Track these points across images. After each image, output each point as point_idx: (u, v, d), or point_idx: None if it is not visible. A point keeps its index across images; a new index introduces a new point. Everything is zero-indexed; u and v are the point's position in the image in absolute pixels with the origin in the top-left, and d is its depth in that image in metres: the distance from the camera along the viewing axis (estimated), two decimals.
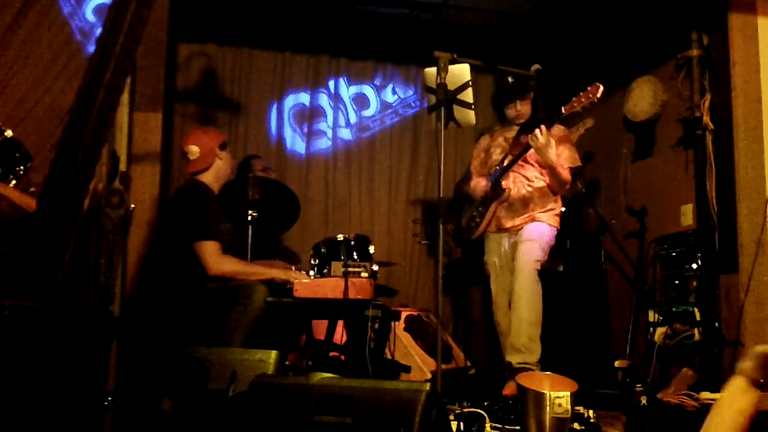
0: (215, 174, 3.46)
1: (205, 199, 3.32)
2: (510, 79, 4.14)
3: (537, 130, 3.70)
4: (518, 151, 3.93)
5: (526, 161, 3.98)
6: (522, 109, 4.12)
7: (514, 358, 3.68)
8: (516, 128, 4.11)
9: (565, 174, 3.93)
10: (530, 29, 5.26)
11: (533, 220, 3.95)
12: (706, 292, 3.92)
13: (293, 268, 3.60)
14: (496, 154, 4.14)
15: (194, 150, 3.43)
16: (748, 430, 1.47)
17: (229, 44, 5.19)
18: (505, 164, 3.99)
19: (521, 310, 3.74)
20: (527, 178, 4.00)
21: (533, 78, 3.96)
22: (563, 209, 4.09)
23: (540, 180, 4.00)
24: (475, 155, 4.32)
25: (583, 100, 3.62)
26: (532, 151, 3.82)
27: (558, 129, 3.98)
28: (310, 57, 5.39)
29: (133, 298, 3.46)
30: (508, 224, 3.99)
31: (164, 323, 3.20)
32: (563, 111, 3.72)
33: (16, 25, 3.93)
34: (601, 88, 3.57)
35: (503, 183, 3.99)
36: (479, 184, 4.11)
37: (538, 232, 3.90)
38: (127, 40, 1.80)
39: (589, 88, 3.62)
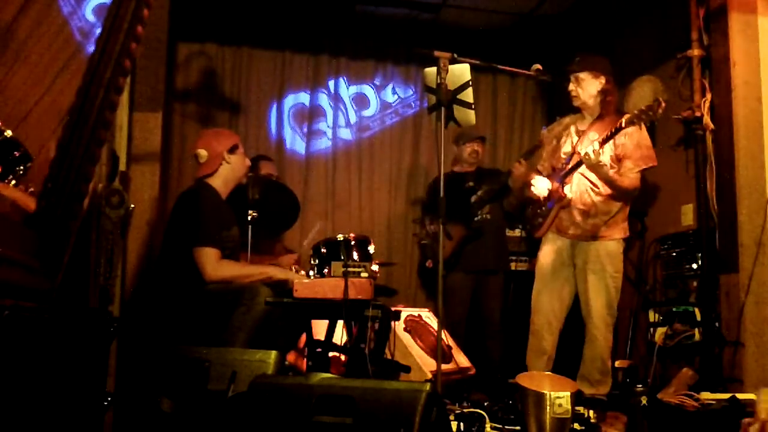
0: (223, 178, 3.44)
1: (207, 204, 3.31)
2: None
3: (590, 148, 3.55)
4: (576, 161, 3.73)
5: None
6: (577, 89, 3.82)
7: (585, 389, 3.58)
8: (588, 117, 3.87)
9: (629, 182, 3.71)
10: (530, 29, 5.26)
11: (597, 236, 3.76)
12: (706, 292, 3.91)
13: (293, 268, 3.60)
14: (565, 147, 3.92)
15: (202, 153, 3.42)
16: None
17: (229, 44, 5.19)
18: (568, 166, 3.79)
19: (595, 349, 3.71)
20: (591, 183, 3.77)
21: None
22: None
23: (605, 186, 3.78)
24: (546, 141, 4.09)
25: (644, 116, 3.45)
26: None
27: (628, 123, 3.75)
28: (310, 57, 5.40)
29: (133, 299, 3.45)
30: (569, 231, 3.82)
31: (165, 324, 3.19)
32: (622, 124, 3.52)
33: (16, 25, 3.93)
34: (664, 105, 3.41)
35: (566, 188, 3.80)
36: (536, 181, 3.91)
37: (608, 256, 3.75)
38: (127, 40, 1.80)
39: (651, 104, 3.44)
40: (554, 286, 3.86)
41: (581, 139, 3.83)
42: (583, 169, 3.72)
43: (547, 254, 3.91)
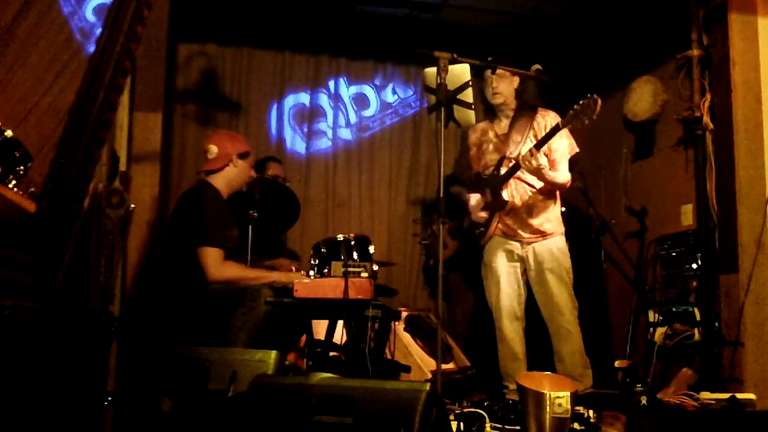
0: (226, 178, 3.44)
1: (210, 204, 3.31)
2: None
3: (528, 153, 3.58)
4: (511, 165, 3.75)
5: None
6: (500, 87, 3.86)
7: None
8: (506, 121, 3.91)
9: (564, 177, 3.78)
10: (530, 29, 5.26)
11: (544, 235, 3.82)
12: (706, 292, 3.92)
13: (293, 269, 3.60)
14: (490, 153, 3.95)
15: (213, 149, 3.44)
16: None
17: (229, 44, 5.19)
18: (501, 173, 3.83)
19: (573, 344, 3.73)
20: (528, 183, 3.84)
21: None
22: (563, 209, 4.01)
23: (543, 186, 3.86)
24: (469, 148, 4.13)
25: (582, 116, 3.47)
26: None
27: (552, 117, 3.82)
28: (310, 57, 5.40)
29: (133, 298, 3.46)
30: (518, 233, 3.85)
31: (166, 323, 3.20)
32: (560, 126, 3.58)
33: (16, 25, 3.93)
34: (600, 102, 3.43)
35: (503, 193, 3.83)
36: (475, 199, 3.96)
37: (559, 251, 3.81)
38: (127, 40, 1.80)
39: (585, 102, 3.46)
40: (512, 289, 3.89)
41: (506, 143, 3.87)
42: (519, 172, 3.77)
43: (497, 259, 3.92)
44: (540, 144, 3.63)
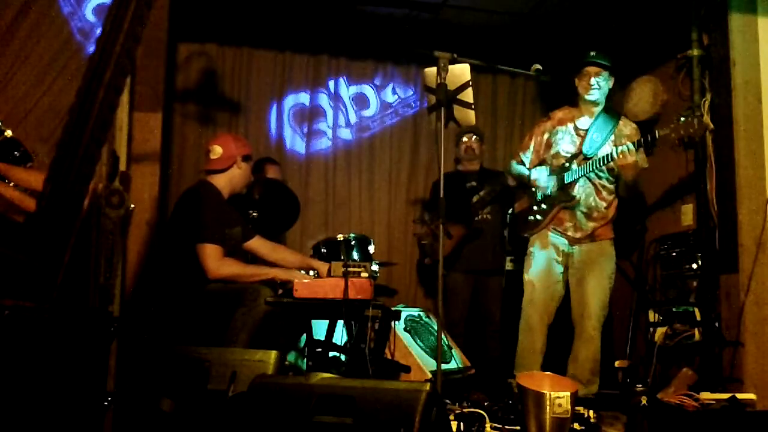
0: (228, 179, 3.45)
1: (210, 202, 3.32)
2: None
3: (625, 148, 3.57)
4: (587, 162, 3.75)
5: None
6: (600, 83, 3.78)
7: None
8: (587, 116, 3.87)
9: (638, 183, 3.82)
10: (530, 29, 5.25)
11: (595, 237, 3.81)
12: (706, 292, 3.92)
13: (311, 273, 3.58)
14: (566, 144, 3.88)
15: (217, 150, 3.45)
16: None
17: (229, 44, 5.19)
18: (579, 166, 3.78)
19: (592, 350, 3.72)
20: (596, 186, 3.81)
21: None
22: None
23: (607, 189, 3.84)
24: (537, 133, 4.02)
25: (681, 132, 3.53)
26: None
27: (632, 128, 3.85)
28: (310, 57, 5.40)
29: (133, 298, 3.45)
30: (569, 231, 3.83)
31: (166, 323, 3.20)
32: (657, 135, 3.59)
33: (16, 25, 3.93)
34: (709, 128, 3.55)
35: (573, 188, 3.80)
36: (541, 177, 3.87)
37: (604, 256, 3.80)
38: (127, 40, 1.80)
39: (690, 121, 3.52)
40: (549, 283, 3.86)
41: (584, 139, 3.84)
42: (589, 172, 3.75)
43: (541, 252, 3.90)
44: (640, 145, 3.63)
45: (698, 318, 3.87)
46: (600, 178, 3.81)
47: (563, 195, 3.83)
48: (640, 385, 3.01)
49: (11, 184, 2.72)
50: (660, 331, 3.97)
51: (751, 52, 3.81)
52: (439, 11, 5.13)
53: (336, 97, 5.46)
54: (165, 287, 3.29)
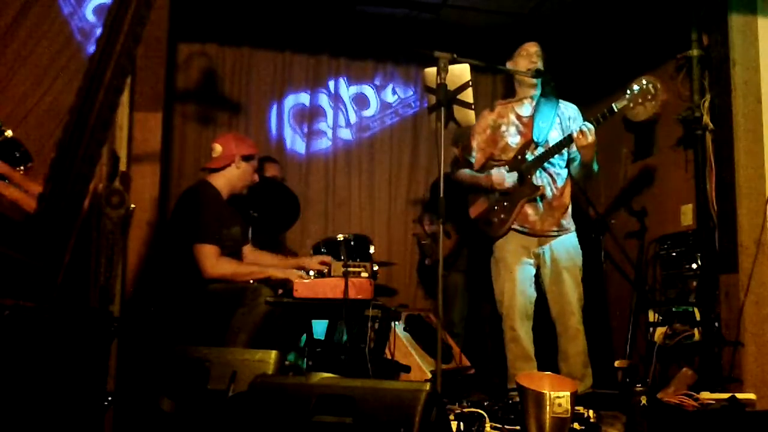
0: (227, 179, 3.44)
1: (207, 201, 3.32)
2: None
3: (585, 127, 3.51)
4: (553, 145, 3.68)
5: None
6: (540, 59, 3.77)
7: None
8: (527, 103, 3.83)
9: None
10: (530, 29, 5.25)
11: (561, 228, 3.75)
12: (706, 292, 3.91)
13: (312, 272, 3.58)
14: (512, 136, 3.81)
15: (217, 148, 3.46)
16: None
17: (229, 44, 5.19)
18: (534, 156, 3.72)
19: (580, 345, 3.69)
20: (550, 175, 3.75)
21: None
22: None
23: (561, 176, 3.77)
24: (478, 131, 3.90)
25: (639, 100, 3.52)
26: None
27: (573, 108, 3.83)
28: (310, 57, 5.40)
29: (133, 298, 3.46)
30: (537, 227, 3.73)
31: (166, 323, 3.20)
32: (615, 109, 3.55)
33: (16, 25, 3.93)
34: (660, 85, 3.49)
35: (533, 178, 3.72)
36: (502, 175, 3.74)
37: (574, 248, 3.76)
38: (127, 40, 1.80)
39: (647, 88, 3.50)
40: (523, 288, 3.76)
41: (531, 128, 3.78)
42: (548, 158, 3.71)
43: (512, 255, 3.77)
44: (599, 122, 3.57)
45: (698, 318, 3.87)
46: (553, 165, 3.74)
47: (527, 188, 3.74)
48: (639, 385, 3.00)
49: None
50: (660, 330, 3.97)
51: (751, 52, 3.81)
52: (439, 11, 5.14)
53: (336, 97, 5.47)
54: (165, 287, 3.30)
